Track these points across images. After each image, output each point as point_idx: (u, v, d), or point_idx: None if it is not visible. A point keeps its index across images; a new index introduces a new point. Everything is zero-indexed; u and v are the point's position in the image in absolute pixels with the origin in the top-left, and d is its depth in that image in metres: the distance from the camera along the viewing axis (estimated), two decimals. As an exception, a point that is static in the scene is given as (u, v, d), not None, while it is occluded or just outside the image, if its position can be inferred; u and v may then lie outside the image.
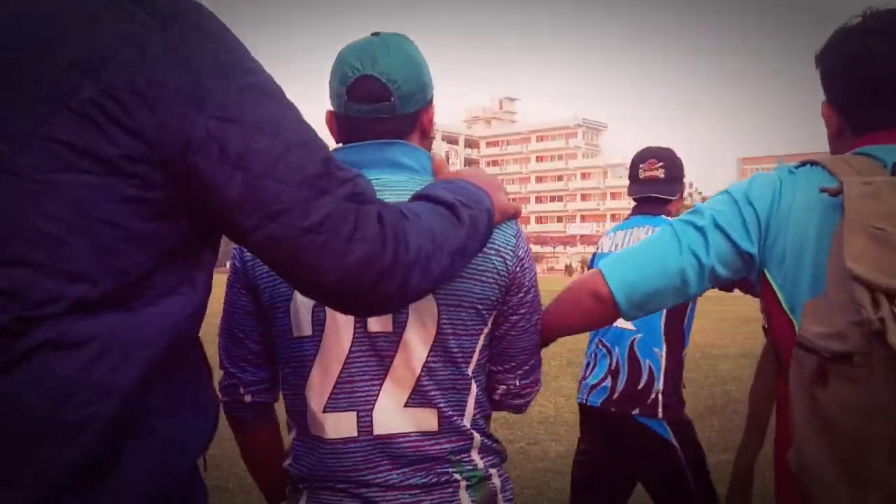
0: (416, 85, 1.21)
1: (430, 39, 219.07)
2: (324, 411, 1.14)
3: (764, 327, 1.19)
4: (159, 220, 0.79)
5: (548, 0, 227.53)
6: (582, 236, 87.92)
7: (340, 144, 1.25)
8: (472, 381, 1.18)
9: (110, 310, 0.77)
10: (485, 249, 1.13)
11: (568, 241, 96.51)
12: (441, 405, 1.15)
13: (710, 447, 5.41)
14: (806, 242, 1.05)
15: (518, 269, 1.19)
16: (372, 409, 1.13)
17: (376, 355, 1.13)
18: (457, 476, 1.16)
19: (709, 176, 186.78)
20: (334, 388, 1.14)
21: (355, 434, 1.13)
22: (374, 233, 0.85)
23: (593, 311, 1.22)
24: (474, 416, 1.19)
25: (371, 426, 1.13)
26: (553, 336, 1.31)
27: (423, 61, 1.25)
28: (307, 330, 1.15)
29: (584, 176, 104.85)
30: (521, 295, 1.21)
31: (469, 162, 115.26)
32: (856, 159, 1.07)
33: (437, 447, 1.15)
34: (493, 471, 1.21)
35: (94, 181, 0.74)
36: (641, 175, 2.57)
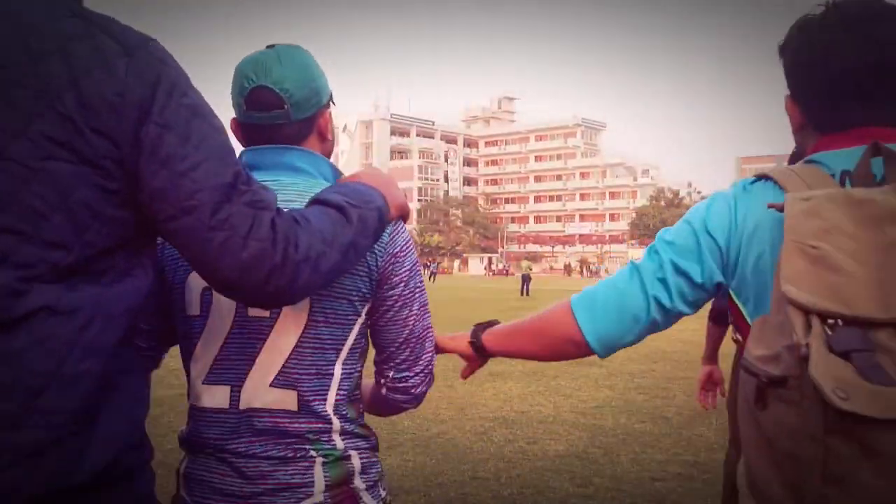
0: (309, 91, 1.33)
1: (430, 39, 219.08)
2: (203, 383, 1.28)
3: (736, 339, 1.19)
4: (121, 209, 0.98)
5: (548, 0, 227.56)
6: (581, 236, 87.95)
7: (243, 149, 1.37)
8: (339, 369, 1.27)
9: (89, 284, 0.96)
10: None
11: (567, 240, 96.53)
12: (302, 388, 1.24)
13: (709, 447, 5.41)
14: (761, 261, 1.05)
15: (388, 264, 1.30)
16: (242, 385, 1.25)
17: (252, 337, 1.25)
18: (313, 453, 1.25)
19: (708, 175, 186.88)
20: (213, 363, 1.27)
21: (226, 406, 1.26)
22: (267, 234, 1.01)
23: (568, 352, 1.28)
24: (336, 401, 1.28)
25: (239, 400, 1.25)
26: (513, 356, 1.39)
27: (316, 69, 1.36)
28: (196, 310, 1.28)
29: (582, 175, 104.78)
30: (390, 289, 1.30)
31: (469, 161, 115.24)
32: (805, 170, 1.06)
33: (296, 426, 1.25)
34: (353, 452, 1.29)
35: (71, 169, 0.93)
36: None
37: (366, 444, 1.33)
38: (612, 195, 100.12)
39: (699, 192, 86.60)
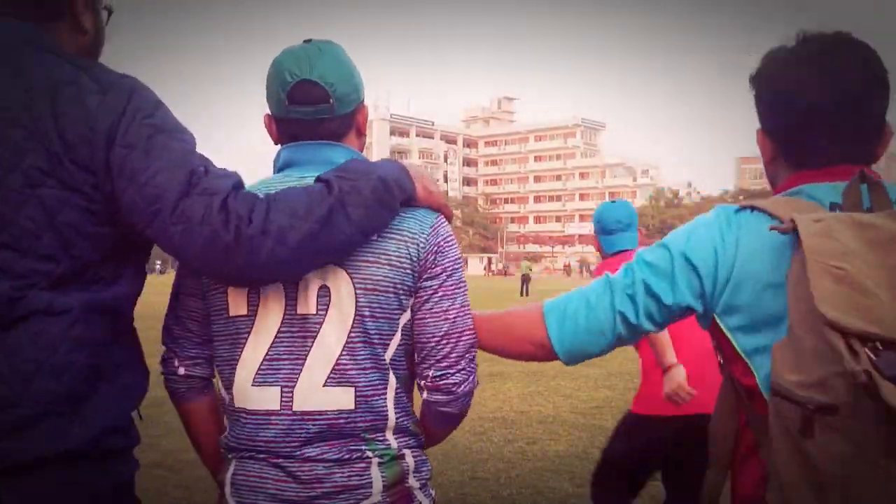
0: (350, 86, 1.33)
1: (429, 39, 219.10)
2: (252, 385, 1.25)
3: (720, 363, 1.20)
4: (102, 226, 1.14)
5: (547, 0, 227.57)
6: (580, 236, 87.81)
7: (280, 145, 1.36)
8: (390, 365, 1.26)
9: (78, 291, 1.13)
10: (401, 237, 1.25)
11: (566, 240, 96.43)
12: (359, 384, 1.23)
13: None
14: (760, 288, 1.04)
15: (431, 254, 1.27)
16: (294, 385, 1.22)
17: (302, 335, 1.23)
18: (369, 453, 1.23)
19: (708, 175, 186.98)
20: (262, 363, 1.24)
21: (278, 408, 1.23)
22: (217, 217, 1.09)
23: (534, 354, 1.31)
24: (396, 395, 1.26)
25: (292, 402, 1.22)
26: (479, 345, 1.35)
27: (353, 65, 1.36)
28: (242, 310, 1.26)
29: (582, 175, 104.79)
30: (431, 279, 1.27)
31: (468, 162, 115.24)
32: (794, 201, 1.06)
33: (352, 425, 1.22)
34: (406, 451, 1.28)
35: (57, 195, 1.10)
36: None
37: (417, 443, 1.32)
38: (612, 195, 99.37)
39: (699, 193, 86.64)
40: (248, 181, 1.36)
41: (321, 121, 1.31)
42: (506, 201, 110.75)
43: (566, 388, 7.77)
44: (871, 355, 0.80)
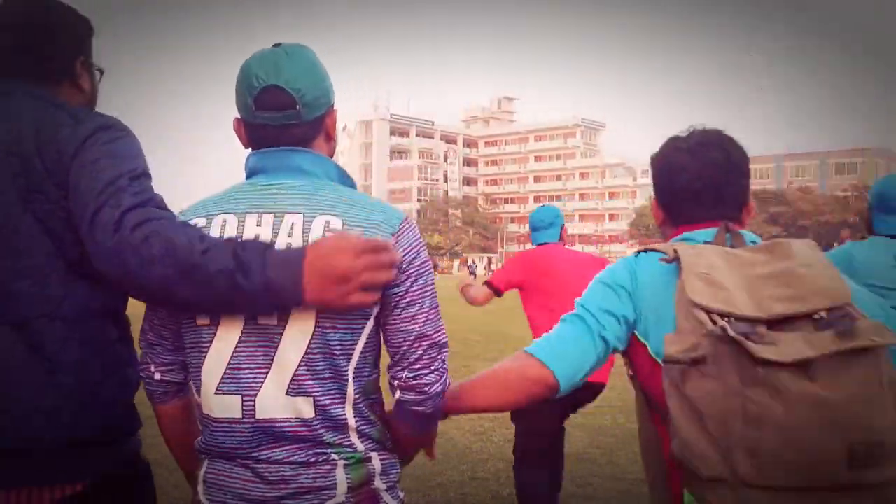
0: (319, 91, 1.32)
1: (429, 39, 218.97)
2: (215, 393, 1.26)
3: (630, 376, 1.51)
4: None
5: (547, 0, 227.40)
6: (580, 236, 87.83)
7: (250, 150, 1.37)
8: (351, 375, 1.27)
9: (87, 291, 1.36)
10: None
11: (566, 240, 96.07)
12: (317, 395, 1.24)
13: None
14: (659, 303, 1.38)
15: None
16: (256, 394, 1.24)
17: (263, 345, 1.24)
18: (335, 456, 1.26)
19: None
20: (224, 372, 1.25)
21: (240, 416, 1.24)
22: (111, 226, 1.22)
23: (540, 395, 1.45)
24: (355, 404, 1.28)
25: (254, 411, 1.24)
26: (476, 411, 1.50)
27: (323, 68, 1.35)
28: (206, 319, 1.27)
29: (582, 176, 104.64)
30: (397, 288, 1.27)
31: (468, 161, 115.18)
32: (677, 243, 1.42)
33: (314, 432, 1.25)
34: (373, 454, 1.30)
35: (45, 207, 1.32)
36: None
37: (384, 447, 1.34)
38: (612, 195, 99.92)
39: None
40: (239, 177, 1.40)
41: (288, 126, 1.31)
42: (506, 201, 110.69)
43: (566, 387, 7.76)
44: (726, 324, 1.17)
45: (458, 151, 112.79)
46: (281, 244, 1.23)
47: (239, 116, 1.36)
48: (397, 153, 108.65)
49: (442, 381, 1.33)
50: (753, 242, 1.43)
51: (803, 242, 1.35)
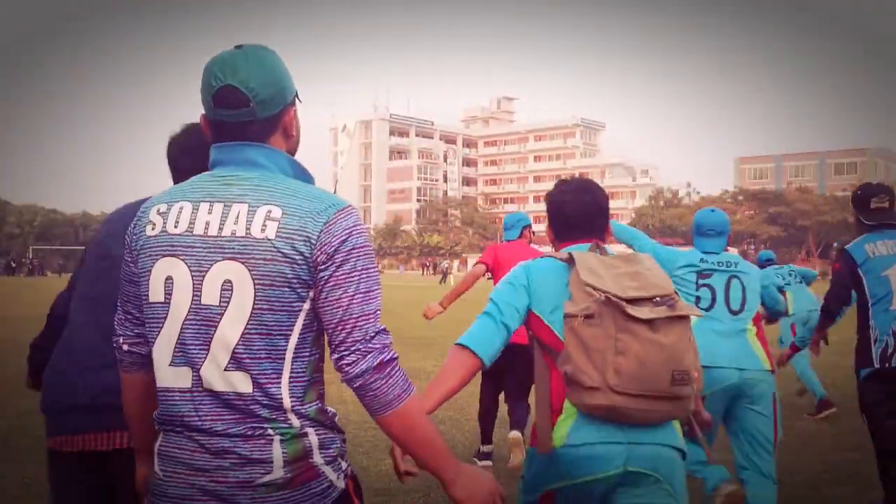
0: (274, 90, 1.42)
1: (428, 38, 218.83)
2: (168, 365, 1.38)
3: (530, 336, 2.15)
4: None
5: (547, 0, 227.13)
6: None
7: (212, 145, 1.48)
8: (291, 353, 1.36)
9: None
10: (296, 236, 1.34)
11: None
12: (254, 372, 1.34)
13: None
14: (549, 287, 2.09)
15: (320, 251, 1.34)
16: (201, 367, 1.35)
17: (206, 323, 1.35)
18: (270, 431, 1.34)
19: (707, 175, 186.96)
20: (175, 346, 1.37)
21: (189, 386, 1.36)
22: None
23: (469, 371, 2.02)
24: (291, 383, 1.36)
25: (201, 382, 1.35)
26: (441, 403, 1.98)
27: (281, 68, 1.45)
28: (160, 297, 1.39)
29: (582, 176, 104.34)
30: (323, 271, 1.35)
31: (468, 162, 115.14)
32: (572, 251, 2.12)
33: (251, 406, 1.34)
34: (310, 430, 1.37)
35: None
36: (873, 206, 3.58)
37: (324, 423, 1.41)
38: (612, 195, 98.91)
39: (698, 192, 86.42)
40: None
41: (243, 123, 1.41)
42: (505, 201, 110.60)
43: (566, 387, 7.73)
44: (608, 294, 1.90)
45: (458, 151, 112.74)
46: (227, 232, 1.35)
47: (203, 113, 1.46)
48: (397, 153, 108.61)
49: (366, 360, 1.36)
50: (612, 254, 2.15)
51: (644, 256, 2.12)
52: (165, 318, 1.38)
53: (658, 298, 1.93)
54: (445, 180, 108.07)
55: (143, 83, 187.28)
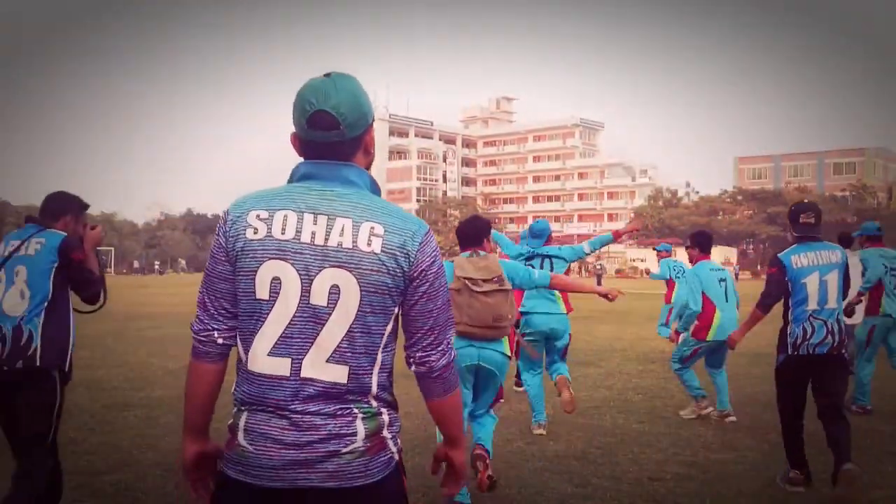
0: (359, 115, 1.65)
1: (427, 38, 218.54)
2: (267, 355, 1.57)
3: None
4: None
5: (547, 0, 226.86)
6: (579, 236, 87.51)
7: (303, 159, 1.69)
8: (380, 349, 1.62)
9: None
10: (397, 253, 1.59)
11: (565, 240, 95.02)
12: (352, 365, 1.58)
13: (707, 446, 5.40)
14: (448, 276, 2.70)
15: (416, 269, 1.63)
16: (303, 358, 1.56)
17: (313, 321, 1.57)
18: (356, 410, 1.59)
19: (706, 175, 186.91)
20: (279, 339, 1.57)
21: (288, 374, 1.56)
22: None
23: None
24: (378, 373, 1.62)
25: (300, 371, 1.56)
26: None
27: (363, 93, 1.68)
28: (265, 294, 1.58)
29: (581, 176, 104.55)
30: (419, 286, 1.64)
31: (467, 162, 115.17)
32: (459, 257, 4.16)
33: (345, 394, 1.58)
34: (384, 410, 1.65)
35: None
36: (801, 221, 4.63)
37: (392, 405, 1.68)
38: (611, 195, 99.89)
39: (697, 192, 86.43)
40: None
41: (334, 143, 1.64)
42: (505, 201, 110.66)
43: (565, 388, 7.76)
44: (466, 280, 4.05)
45: (457, 152, 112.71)
46: (333, 243, 1.57)
47: (294, 132, 1.67)
48: (396, 153, 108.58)
49: (446, 356, 1.70)
50: (482, 255, 4.18)
51: (492, 256, 4.13)
52: (269, 313, 1.57)
53: (495, 278, 4.06)
54: (445, 180, 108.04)
55: (142, 84, 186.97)
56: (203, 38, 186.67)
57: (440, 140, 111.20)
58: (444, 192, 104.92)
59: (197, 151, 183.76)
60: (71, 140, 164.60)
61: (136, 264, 78.84)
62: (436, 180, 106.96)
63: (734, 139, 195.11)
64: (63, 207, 3.50)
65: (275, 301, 1.57)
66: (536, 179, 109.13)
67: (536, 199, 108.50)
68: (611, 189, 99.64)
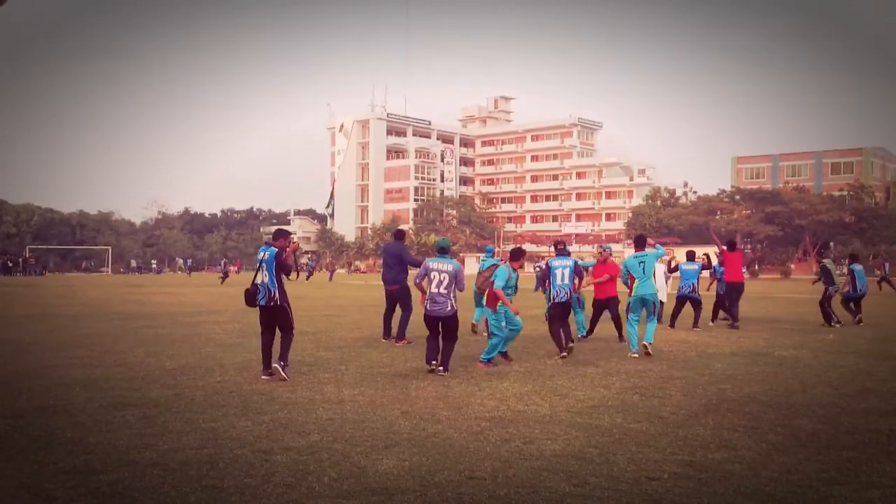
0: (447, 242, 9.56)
1: (426, 38, 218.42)
2: (434, 289, 8.92)
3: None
4: None
5: (544, 0, 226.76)
6: (577, 235, 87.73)
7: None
8: (454, 289, 8.95)
9: None
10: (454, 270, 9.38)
11: (563, 240, 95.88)
12: (451, 294, 8.92)
13: (705, 446, 5.41)
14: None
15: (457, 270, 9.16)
16: (439, 289, 8.91)
17: (444, 277, 8.89)
18: (450, 301, 8.96)
19: (704, 175, 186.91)
20: (438, 284, 8.91)
21: (437, 292, 8.90)
22: None
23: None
24: (454, 297, 8.98)
25: (440, 291, 8.96)
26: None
27: None
28: (435, 274, 8.97)
29: (579, 175, 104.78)
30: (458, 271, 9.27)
31: (465, 161, 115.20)
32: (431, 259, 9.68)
33: (448, 301, 8.92)
34: (453, 302, 9.19)
35: None
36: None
37: (454, 302, 9.00)
38: (609, 195, 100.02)
39: (695, 192, 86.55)
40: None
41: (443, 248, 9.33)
42: (503, 201, 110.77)
43: (563, 387, 7.79)
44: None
45: (455, 151, 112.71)
46: (445, 267, 9.18)
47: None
48: (394, 153, 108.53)
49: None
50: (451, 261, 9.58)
51: (450, 259, 9.35)
52: (435, 275, 8.84)
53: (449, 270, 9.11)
54: (442, 180, 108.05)
55: (141, 84, 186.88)
56: (202, 38, 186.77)
57: (438, 139, 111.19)
58: (442, 192, 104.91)
59: (194, 151, 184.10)
60: (69, 139, 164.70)
61: (133, 263, 78.97)
62: (433, 179, 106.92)
63: (732, 139, 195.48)
64: (279, 234, 8.45)
65: (435, 272, 8.89)
66: (534, 178, 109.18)
67: (534, 199, 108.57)
68: (609, 188, 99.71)
